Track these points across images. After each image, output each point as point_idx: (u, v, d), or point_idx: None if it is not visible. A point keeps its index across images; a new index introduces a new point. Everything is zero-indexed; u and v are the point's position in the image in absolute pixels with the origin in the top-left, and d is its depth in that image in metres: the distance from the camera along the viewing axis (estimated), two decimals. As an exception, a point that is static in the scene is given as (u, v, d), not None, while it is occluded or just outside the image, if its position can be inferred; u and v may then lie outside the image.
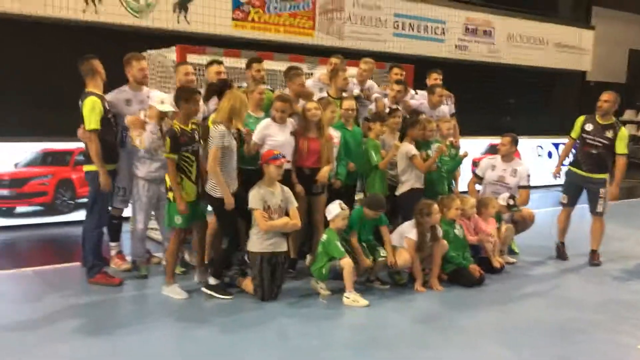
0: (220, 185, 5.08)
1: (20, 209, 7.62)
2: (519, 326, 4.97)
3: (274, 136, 5.61)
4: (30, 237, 7.36)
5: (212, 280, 5.37)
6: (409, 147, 6.30)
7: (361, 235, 5.71)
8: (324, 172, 5.82)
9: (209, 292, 5.32)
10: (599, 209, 6.84)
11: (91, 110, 5.30)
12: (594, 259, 6.90)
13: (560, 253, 7.09)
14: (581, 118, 6.98)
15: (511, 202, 6.67)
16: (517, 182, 6.97)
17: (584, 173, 6.87)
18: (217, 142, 5.04)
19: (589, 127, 6.83)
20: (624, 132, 6.73)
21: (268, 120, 5.71)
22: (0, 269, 6.03)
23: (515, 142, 7.07)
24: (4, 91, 8.45)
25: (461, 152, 6.75)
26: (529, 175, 7.01)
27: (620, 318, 5.19)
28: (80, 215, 7.11)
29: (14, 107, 8.48)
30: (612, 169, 6.88)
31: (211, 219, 5.73)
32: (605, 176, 6.85)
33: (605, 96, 6.74)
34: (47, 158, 7.81)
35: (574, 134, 7.03)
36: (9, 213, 7.57)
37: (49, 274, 5.86)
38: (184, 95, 5.22)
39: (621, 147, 6.68)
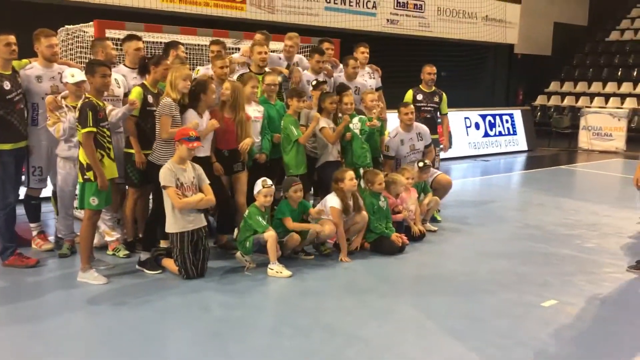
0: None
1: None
2: (433, 289, 5.22)
3: (201, 125, 5.54)
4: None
5: (142, 256, 5.42)
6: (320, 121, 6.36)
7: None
8: (245, 143, 5.81)
9: (140, 268, 5.38)
10: (436, 165, 7.97)
11: None
12: None
13: None
14: (410, 91, 7.92)
15: (420, 164, 6.99)
16: (424, 144, 7.36)
17: None
18: (166, 112, 5.27)
19: (420, 96, 7.86)
20: (445, 96, 8.06)
21: (191, 110, 5.55)
22: None
23: None
24: None
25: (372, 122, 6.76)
26: (429, 132, 7.47)
27: (527, 278, 5.49)
28: None
29: None
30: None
31: (129, 197, 5.78)
32: (437, 136, 7.98)
33: (429, 69, 7.86)
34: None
35: None
36: None
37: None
38: (94, 69, 5.07)
39: (445, 108, 8.05)
